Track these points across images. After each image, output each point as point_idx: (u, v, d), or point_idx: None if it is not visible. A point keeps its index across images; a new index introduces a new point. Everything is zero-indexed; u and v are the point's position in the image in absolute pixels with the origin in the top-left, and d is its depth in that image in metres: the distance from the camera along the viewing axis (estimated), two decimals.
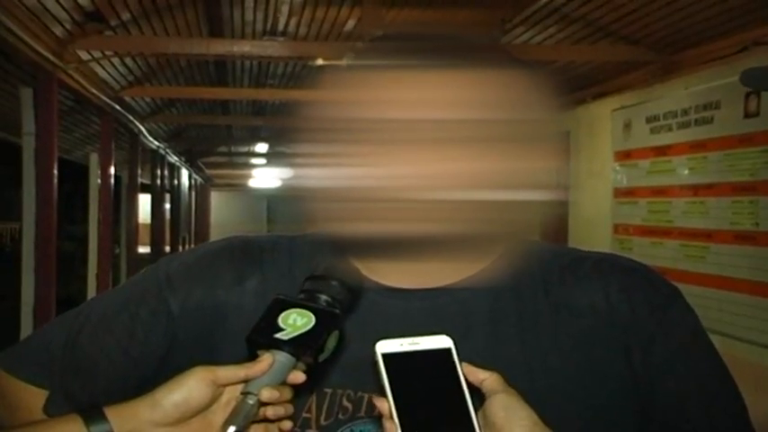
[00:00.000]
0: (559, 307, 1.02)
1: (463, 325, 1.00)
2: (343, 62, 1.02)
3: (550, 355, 1.00)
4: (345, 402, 1.01)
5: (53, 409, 1.05)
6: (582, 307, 1.02)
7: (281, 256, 1.10)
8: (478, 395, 0.90)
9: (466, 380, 0.90)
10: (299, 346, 0.93)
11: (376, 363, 0.90)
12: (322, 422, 1.01)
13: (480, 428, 0.87)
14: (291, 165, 1.07)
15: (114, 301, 1.12)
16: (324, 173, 0.99)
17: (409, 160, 0.94)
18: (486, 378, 0.90)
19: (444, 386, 0.89)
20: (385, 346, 0.90)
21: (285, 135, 1.04)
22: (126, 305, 1.09)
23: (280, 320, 0.95)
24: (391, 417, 0.87)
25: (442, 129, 0.94)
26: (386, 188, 0.95)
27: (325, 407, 1.01)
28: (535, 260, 1.06)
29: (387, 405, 0.88)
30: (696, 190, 4.73)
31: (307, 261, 1.06)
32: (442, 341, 0.92)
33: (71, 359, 1.08)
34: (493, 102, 0.97)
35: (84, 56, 5.66)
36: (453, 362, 0.90)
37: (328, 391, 1.01)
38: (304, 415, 1.00)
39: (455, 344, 0.91)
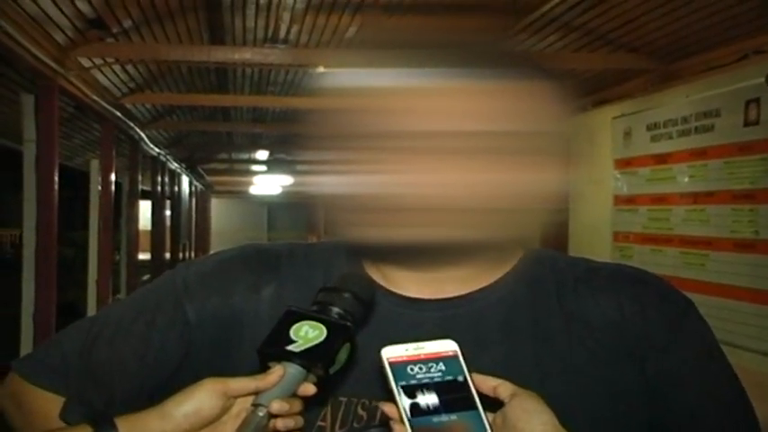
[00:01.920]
0: (573, 318, 1.02)
1: (478, 335, 1.01)
2: (355, 70, 1.01)
3: (564, 365, 1.00)
4: (360, 411, 1.01)
5: (70, 416, 1.05)
6: (596, 318, 1.02)
7: (298, 263, 1.10)
8: (488, 401, 0.90)
9: (475, 386, 0.90)
10: (310, 358, 0.93)
11: (383, 368, 0.90)
12: (337, 431, 1.01)
13: (492, 429, 0.88)
14: (302, 171, 1.07)
15: (130, 309, 1.12)
16: (342, 180, 0.99)
17: (428, 169, 0.95)
18: (499, 385, 0.90)
19: (452, 388, 0.90)
20: (391, 352, 0.91)
21: (294, 142, 1.04)
22: (142, 313, 1.09)
23: (291, 332, 0.95)
24: (401, 420, 0.88)
25: (460, 138, 0.94)
26: (404, 196, 0.95)
27: (339, 415, 1.01)
28: (549, 270, 1.07)
29: (395, 409, 0.88)
30: (696, 198, 4.73)
31: (323, 269, 1.07)
32: (447, 345, 0.92)
33: (87, 366, 1.08)
34: (512, 112, 0.97)
35: (86, 63, 5.67)
36: (460, 364, 0.91)
37: (343, 399, 1.01)
38: (319, 423, 1.01)
39: (461, 348, 0.92)
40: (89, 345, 1.09)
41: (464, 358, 0.92)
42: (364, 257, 1.07)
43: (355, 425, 1.00)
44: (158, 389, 1.01)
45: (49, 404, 1.07)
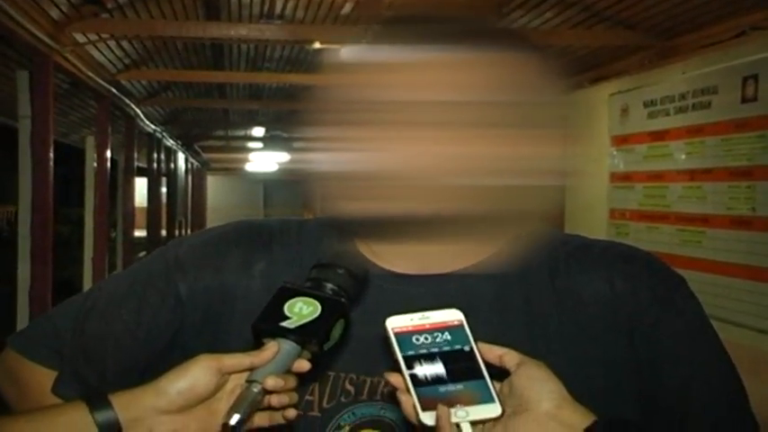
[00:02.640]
0: (564, 294, 1.03)
1: (469, 311, 1.01)
2: (350, 46, 1.01)
3: (555, 341, 1.00)
4: (348, 386, 1.01)
5: (62, 390, 1.06)
6: (587, 294, 1.02)
7: (290, 239, 1.10)
8: (494, 371, 0.90)
9: (481, 355, 0.90)
10: (304, 334, 0.93)
11: (387, 338, 0.90)
12: (324, 405, 1.01)
13: (499, 398, 0.88)
14: (298, 148, 1.07)
15: (123, 284, 1.12)
16: (332, 155, 0.99)
17: (416, 142, 0.94)
18: (505, 353, 0.90)
19: (458, 357, 0.90)
20: (395, 322, 0.91)
21: (290, 118, 1.05)
22: (134, 288, 1.10)
23: (286, 309, 0.95)
24: (407, 390, 0.87)
25: (449, 111, 0.94)
26: (392, 169, 0.95)
27: (327, 390, 1.02)
28: (541, 247, 1.06)
29: (401, 379, 0.88)
30: (693, 175, 4.72)
31: (315, 245, 1.07)
32: (452, 314, 0.92)
33: (80, 341, 1.08)
34: (502, 85, 0.97)
35: (81, 39, 5.64)
36: (465, 334, 0.91)
37: (331, 374, 1.02)
38: (307, 398, 1.01)
39: (466, 319, 0.92)
40: (82, 320, 1.09)
41: (470, 328, 0.91)
42: (355, 232, 1.07)
43: (343, 399, 1.01)
44: (151, 365, 1.01)
45: (44, 379, 1.08)
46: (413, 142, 0.94)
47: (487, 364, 0.90)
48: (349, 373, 1.01)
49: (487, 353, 0.91)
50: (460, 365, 0.89)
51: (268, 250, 1.09)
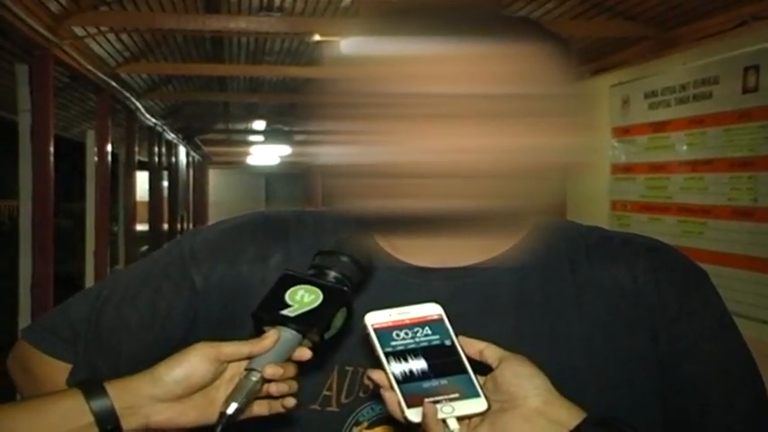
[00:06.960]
0: (585, 286, 1.01)
1: (488, 304, 1.00)
2: (364, 37, 0.99)
3: (575, 334, 0.99)
4: (367, 381, 1.00)
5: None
6: (608, 287, 1.01)
7: (306, 231, 1.09)
8: (478, 366, 0.89)
9: (463, 350, 0.89)
10: (305, 323, 0.92)
11: (368, 335, 0.89)
12: (342, 400, 1.00)
13: (484, 392, 0.87)
14: (300, 141, 1.06)
15: (137, 276, 1.12)
16: (344, 150, 0.97)
17: (433, 135, 0.93)
18: (485, 348, 0.89)
19: (440, 353, 0.89)
20: (375, 318, 0.90)
21: (291, 111, 1.03)
22: (149, 280, 1.09)
23: (287, 296, 0.94)
24: (391, 387, 0.86)
25: (466, 103, 0.92)
26: (409, 164, 0.93)
27: (345, 385, 1.01)
28: (561, 239, 1.05)
29: (384, 376, 0.87)
30: (694, 166, 4.71)
31: (331, 237, 1.05)
32: (431, 309, 0.91)
33: (94, 333, 1.08)
34: (519, 76, 0.95)
35: (80, 32, 5.63)
36: (446, 328, 0.90)
37: (349, 369, 1.01)
38: (324, 393, 1.00)
39: (446, 312, 0.91)
40: (96, 312, 1.09)
41: (450, 322, 0.90)
42: (372, 226, 1.05)
43: (361, 394, 1.00)
44: (165, 356, 1.00)
45: (57, 371, 1.07)
46: (436, 136, 0.92)
47: (471, 360, 0.89)
48: (368, 368, 1.00)
49: (468, 347, 0.89)
50: (443, 360, 0.88)
51: (284, 242, 1.08)
